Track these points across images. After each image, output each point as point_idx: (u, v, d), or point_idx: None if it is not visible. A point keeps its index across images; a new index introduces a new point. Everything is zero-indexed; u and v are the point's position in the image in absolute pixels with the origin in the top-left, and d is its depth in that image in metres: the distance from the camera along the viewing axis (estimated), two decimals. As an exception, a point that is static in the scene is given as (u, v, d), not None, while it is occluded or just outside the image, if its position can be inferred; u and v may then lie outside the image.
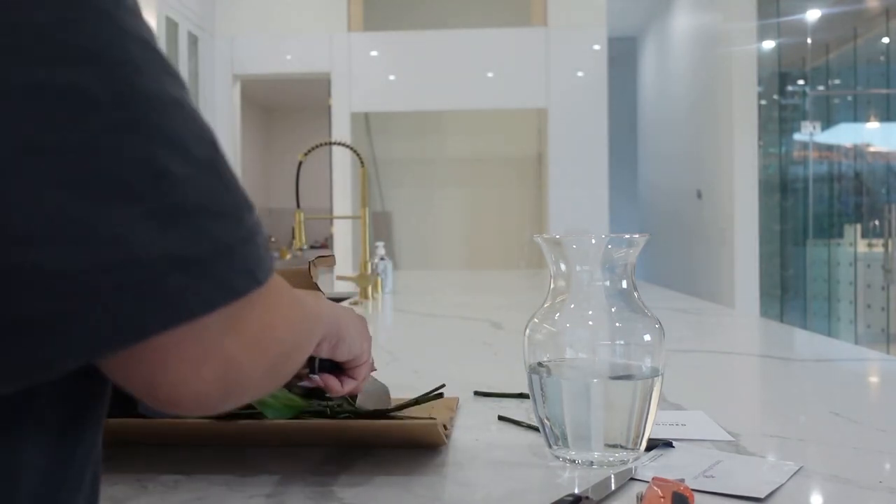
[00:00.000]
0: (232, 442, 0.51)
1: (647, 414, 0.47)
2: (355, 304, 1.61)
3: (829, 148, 4.30)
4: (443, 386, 0.59)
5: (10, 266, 0.20)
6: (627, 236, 0.48)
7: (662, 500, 0.38)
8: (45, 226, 0.20)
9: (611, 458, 0.47)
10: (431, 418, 0.49)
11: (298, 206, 1.60)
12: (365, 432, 0.49)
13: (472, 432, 0.56)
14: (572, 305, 0.49)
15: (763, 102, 3.98)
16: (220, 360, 0.24)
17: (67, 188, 0.20)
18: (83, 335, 0.21)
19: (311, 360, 0.45)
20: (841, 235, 4.22)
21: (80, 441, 0.27)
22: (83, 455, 0.27)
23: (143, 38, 0.24)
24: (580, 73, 3.96)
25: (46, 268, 0.20)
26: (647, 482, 0.41)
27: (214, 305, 0.23)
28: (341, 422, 0.50)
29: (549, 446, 0.49)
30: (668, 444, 0.51)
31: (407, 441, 0.49)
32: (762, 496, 0.41)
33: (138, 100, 0.22)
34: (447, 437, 0.52)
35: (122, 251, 0.21)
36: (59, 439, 0.26)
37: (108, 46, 0.22)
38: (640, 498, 0.40)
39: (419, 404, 0.55)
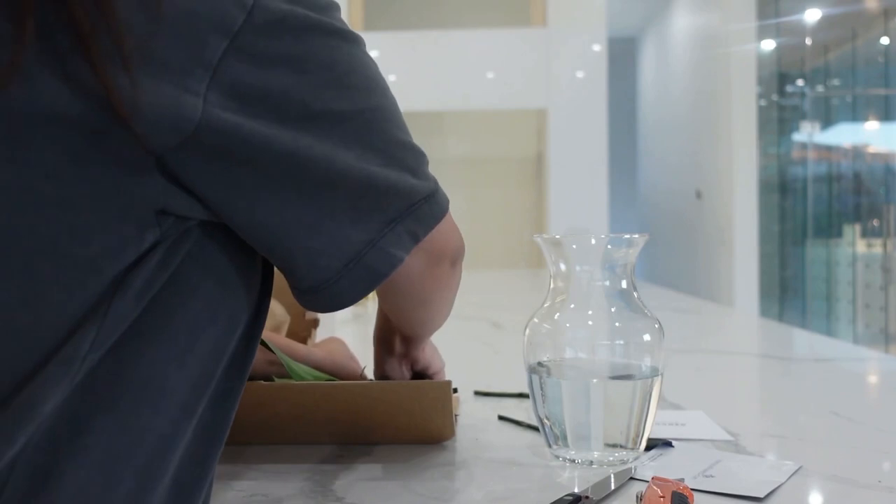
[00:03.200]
0: (239, 424, 0.51)
1: (647, 413, 0.47)
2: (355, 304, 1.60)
3: (828, 148, 4.31)
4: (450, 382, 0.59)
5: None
6: (627, 236, 0.48)
7: (662, 499, 0.38)
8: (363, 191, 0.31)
9: (610, 458, 0.47)
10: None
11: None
12: (376, 393, 0.49)
13: (472, 432, 0.56)
14: (572, 305, 0.49)
15: (762, 103, 3.99)
16: (456, 241, 0.39)
17: (374, 164, 0.32)
18: (392, 255, 0.33)
19: None
20: (840, 235, 4.22)
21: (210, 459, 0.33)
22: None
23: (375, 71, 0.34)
24: (580, 74, 3.97)
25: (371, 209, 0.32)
26: (647, 482, 0.41)
27: (444, 213, 0.36)
28: (356, 382, 0.50)
29: (549, 446, 0.49)
30: (667, 443, 0.51)
31: (418, 409, 0.49)
32: (761, 496, 0.41)
33: (391, 109, 0.34)
34: (456, 417, 0.52)
35: (409, 197, 0.33)
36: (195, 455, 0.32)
37: (375, 83, 0.33)
38: (640, 497, 0.40)
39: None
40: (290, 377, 0.50)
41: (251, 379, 0.50)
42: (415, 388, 0.49)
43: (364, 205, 0.31)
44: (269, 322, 0.59)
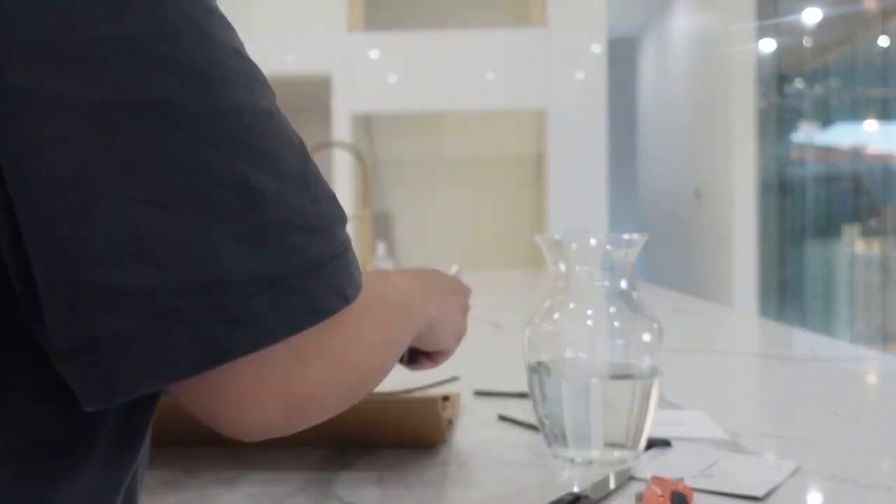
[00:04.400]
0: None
1: (647, 413, 0.47)
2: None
3: (828, 149, 4.31)
4: (455, 378, 0.59)
5: (90, 284, 0.20)
6: (626, 236, 0.48)
7: (661, 498, 0.39)
8: (129, 244, 0.20)
9: (610, 458, 0.47)
10: (433, 398, 0.49)
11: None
12: (363, 409, 0.49)
13: (472, 432, 0.56)
14: (572, 305, 0.49)
15: (761, 103, 3.98)
16: (294, 393, 0.23)
17: (154, 206, 0.20)
18: (163, 357, 0.20)
19: None
20: (839, 236, 4.22)
21: (125, 466, 0.26)
22: (123, 479, 0.27)
23: (235, 48, 0.23)
24: (580, 74, 3.97)
25: (127, 287, 0.20)
26: (647, 481, 0.41)
27: (301, 326, 0.22)
28: None
29: (549, 445, 0.49)
30: (667, 443, 0.51)
31: (406, 423, 0.49)
32: (761, 495, 0.41)
33: (229, 114, 0.21)
34: (450, 423, 0.52)
35: (208, 272, 0.20)
36: (109, 462, 0.25)
37: (201, 60, 0.21)
38: (640, 497, 0.40)
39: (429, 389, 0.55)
40: None
41: None
42: (402, 404, 0.49)
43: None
44: None
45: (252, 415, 0.23)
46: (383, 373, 0.31)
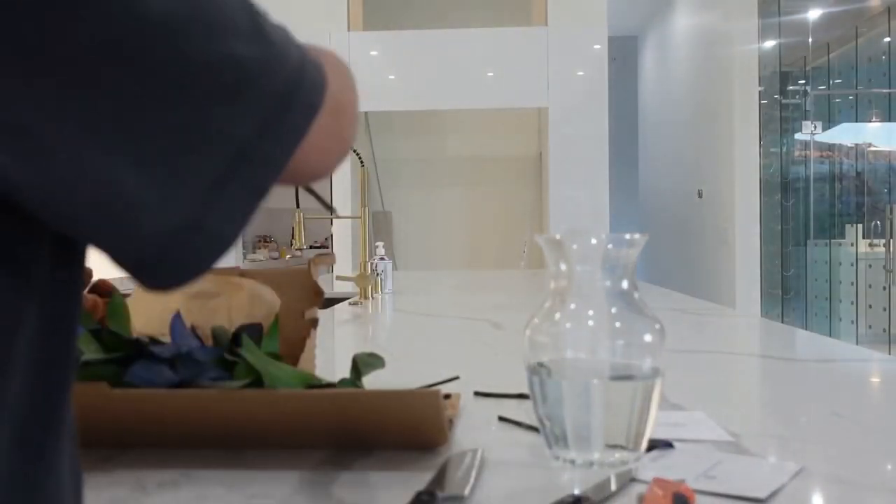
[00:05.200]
0: (235, 430, 0.51)
1: (648, 414, 0.47)
2: (355, 304, 1.61)
3: (831, 147, 4.30)
4: (455, 378, 0.59)
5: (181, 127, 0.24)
6: (628, 236, 0.48)
7: (663, 500, 0.38)
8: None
9: (611, 459, 0.47)
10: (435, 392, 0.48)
11: (298, 205, 1.60)
12: (364, 401, 0.49)
13: (472, 432, 0.55)
14: (572, 305, 0.49)
15: (764, 102, 3.97)
16: (334, 138, 0.30)
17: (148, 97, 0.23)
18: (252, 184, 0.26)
19: None
20: (842, 235, 4.21)
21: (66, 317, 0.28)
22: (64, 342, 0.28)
23: None
24: (580, 73, 3.96)
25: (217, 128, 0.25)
26: (648, 483, 0.41)
27: (298, 139, 0.27)
28: (344, 390, 0.50)
29: (549, 447, 0.49)
30: (668, 444, 0.50)
31: (407, 415, 0.49)
32: (763, 497, 0.41)
33: (190, 7, 0.24)
34: (450, 422, 0.52)
35: (228, 139, 0.25)
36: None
37: None
38: (641, 499, 0.39)
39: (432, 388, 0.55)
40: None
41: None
42: (404, 397, 0.48)
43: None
44: (258, 310, 0.58)
45: (328, 161, 0.30)
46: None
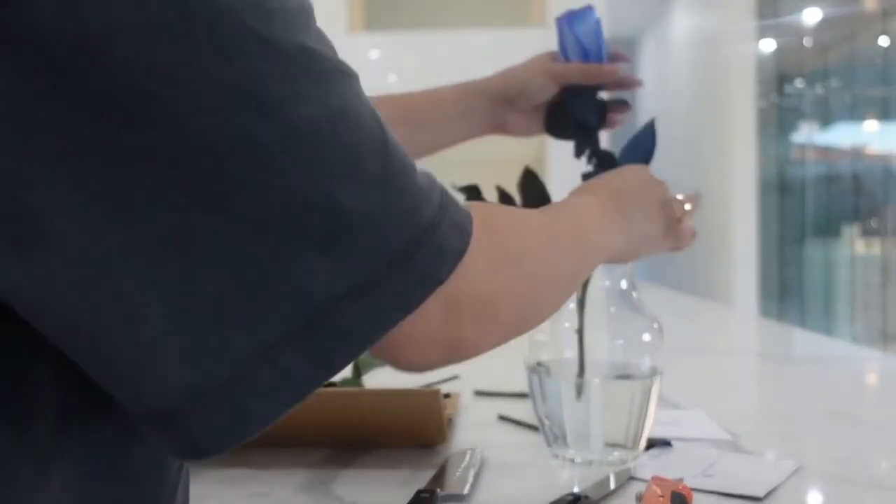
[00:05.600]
0: None
1: (647, 413, 0.47)
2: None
3: (827, 149, 4.31)
4: (455, 377, 0.59)
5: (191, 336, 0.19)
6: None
7: (661, 499, 0.39)
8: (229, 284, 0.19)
9: (610, 458, 0.47)
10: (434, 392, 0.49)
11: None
12: (365, 400, 0.49)
13: (472, 431, 0.56)
14: (572, 305, 0.49)
15: (762, 103, 3.98)
16: (443, 342, 0.25)
17: (234, 238, 0.19)
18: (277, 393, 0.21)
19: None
20: (839, 235, 4.22)
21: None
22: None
23: (303, 45, 0.21)
24: (579, 74, 3.95)
25: (228, 333, 0.20)
26: (647, 481, 0.41)
27: (392, 322, 0.22)
28: (345, 389, 0.50)
29: (549, 446, 0.49)
30: (667, 443, 0.51)
31: (406, 415, 0.49)
32: (761, 495, 0.41)
33: (302, 136, 0.20)
34: (450, 421, 0.52)
35: (306, 305, 0.20)
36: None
37: (268, 84, 0.20)
38: (640, 497, 0.40)
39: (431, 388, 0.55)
40: None
41: None
42: (404, 396, 0.49)
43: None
44: None
45: (413, 364, 0.25)
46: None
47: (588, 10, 0.49)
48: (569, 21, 0.50)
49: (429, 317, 0.23)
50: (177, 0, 0.19)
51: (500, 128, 0.57)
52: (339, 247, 0.21)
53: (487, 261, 0.26)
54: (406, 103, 0.54)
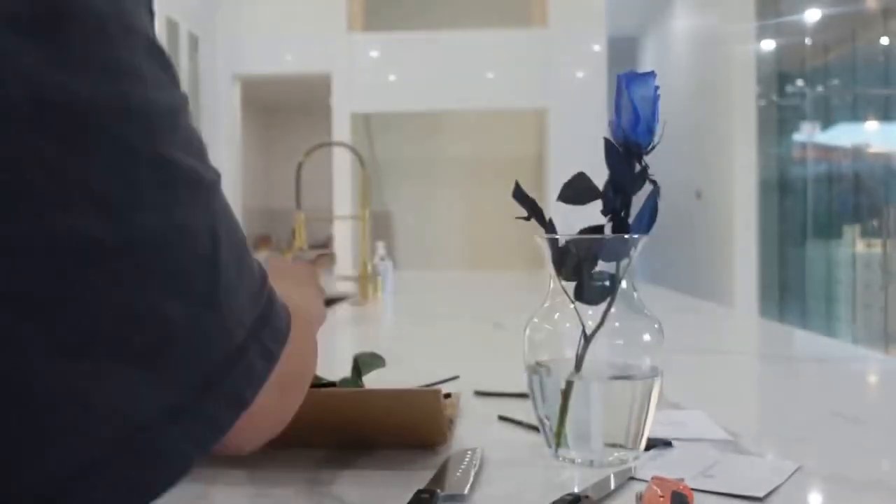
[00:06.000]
0: None
1: (647, 413, 0.47)
2: (355, 304, 1.61)
3: (828, 148, 4.31)
4: (455, 377, 0.59)
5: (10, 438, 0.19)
6: (627, 236, 0.48)
7: (662, 499, 0.39)
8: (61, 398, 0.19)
9: (610, 458, 0.47)
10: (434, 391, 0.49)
11: (299, 207, 1.61)
12: (363, 401, 0.49)
13: (472, 432, 0.56)
14: (572, 305, 0.49)
15: (762, 103, 3.98)
16: (276, 416, 0.29)
17: (58, 352, 0.19)
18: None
19: None
20: (840, 236, 4.22)
21: None
22: None
23: (157, 153, 0.21)
24: (580, 74, 3.96)
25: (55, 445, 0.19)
26: (647, 481, 0.41)
27: (208, 446, 0.23)
28: (343, 390, 0.50)
29: (549, 446, 0.49)
30: (667, 443, 0.51)
31: (406, 415, 0.49)
32: (761, 495, 0.41)
33: (136, 243, 0.20)
34: (450, 422, 0.52)
35: (125, 418, 0.20)
36: None
37: (110, 185, 0.20)
38: (640, 497, 0.40)
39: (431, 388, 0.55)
40: None
41: None
42: (404, 396, 0.49)
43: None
44: None
45: (257, 436, 0.29)
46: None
47: (650, 74, 0.49)
48: (628, 81, 0.48)
49: (263, 407, 0.25)
50: (34, 88, 0.18)
51: None
52: (159, 362, 0.21)
53: (300, 349, 0.29)
54: None
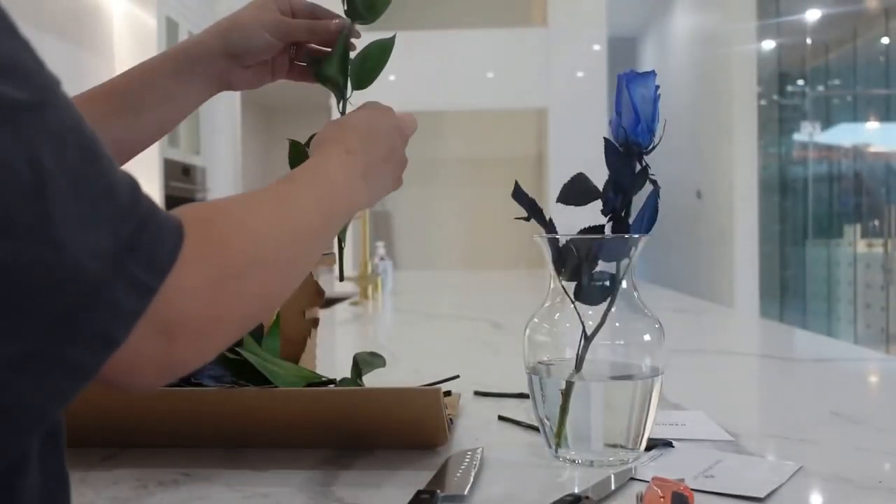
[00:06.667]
0: (236, 428, 0.51)
1: (647, 414, 0.47)
2: (355, 304, 1.61)
3: (829, 148, 4.31)
4: (457, 377, 0.59)
5: None
6: (627, 236, 0.48)
7: (662, 499, 0.38)
8: None
9: (611, 458, 0.47)
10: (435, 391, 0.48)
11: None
12: (364, 399, 0.49)
13: (472, 432, 0.56)
14: (572, 305, 0.49)
15: (763, 102, 3.98)
16: (160, 366, 0.24)
17: None
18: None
19: None
20: (840, 235, 4.22)
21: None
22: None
23: None
24: (580, 74, 3.96)
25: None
26: (647, 482, 0.41)
27: (70, 393, 0.21)
28: (344, 388, 0.50)
29: (549, 446, 0.49)
30: (667, 443, 0.51)
31: (407, 414, 0.49)
32: (762, 496, 0.41)
33: None
34: (450, 422, 0.52)
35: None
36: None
37: None
38: (640, 498, 0.40)
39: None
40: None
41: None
42: (403, 395, 0.49)
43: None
44: None
45: (140, 386, 0.24)
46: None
47: (650, 74, 0.49)
48: (628, 80, 0.49)
49: (142, 346, 0.23)
50: None
51: (227, 86, 0.50)
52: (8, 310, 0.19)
53: (206, 283, 0.25)
54: (117, 93, 0.47)
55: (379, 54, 0.50)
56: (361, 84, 0.50)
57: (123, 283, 0.22)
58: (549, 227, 0.49)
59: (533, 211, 0.49)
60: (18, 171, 0.20)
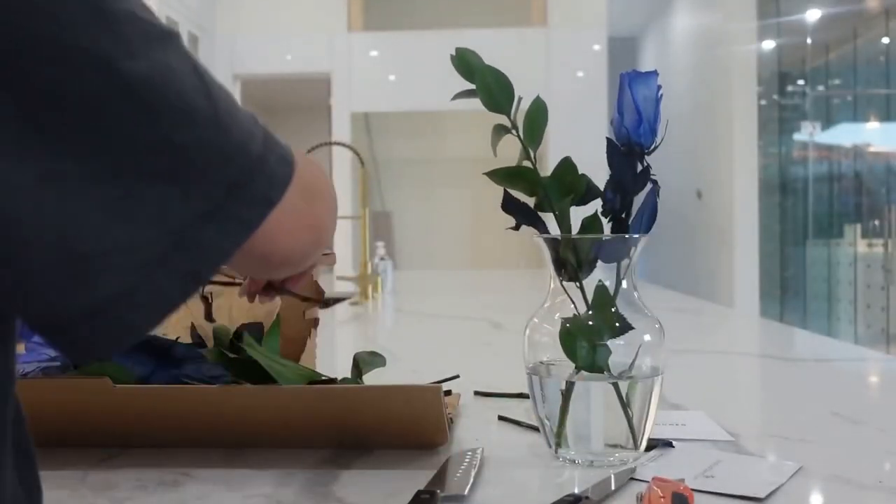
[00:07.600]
0: (236, 427, 0.51)
1: (648, 414, 0.47)
2: (355, 304, 1.61)
3: (829, 148, 4.31)
4: (457, 376, 0.59)
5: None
6: (627, 236, 0.48)
7: (662, 499, 0.38)
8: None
9: (611, 458, 0.47)
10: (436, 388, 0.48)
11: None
12: (363, 397, 0.49)
13: (472, 432, 0.56)
14: (572, 305, 0.49)
15: (763, 102, 3.98)
16: (309, 227, 0.31)
17: (92, 181, 0.24)
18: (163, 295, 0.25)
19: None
20: (841, 235, 4.22)
21: None
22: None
23: (128, 10, 0.25)
24: (580, 74, 3.96)
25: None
26: (647, 482, 0.41)
27: (241, 239, 0.27)
28: (343, 386, 0.50)
29: (549, 446, 0.49)
30: (668, 443, 0.51)
31: (407, 411, 0.49)
32: (762, 496, 0.41)
33: (135, 88, 0.24)
34: (450, 422, 0.52)
35: (164, 222, 0.25)
36: None
37: (98, 43, 0.24)
38: (641, 498, 0.40)
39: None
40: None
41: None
42: (404, 391, 0.49)
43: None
44: (259, 309, 0.58)
45: (286, 243, 0.29)
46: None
47: (652, 74, 0.49)
48: (631, 80, 0.48)
49: (292, 205, 0.29)
50: None
51: None
52: (182, 180, 0.25)
53: (309, 168, 0.31)
54: None
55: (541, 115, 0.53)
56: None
57: (274, 157, 0.28)
58: (545, 228, 0.49)
59: (526, 216, 0.49)
60: (191, 76, 0.26)
